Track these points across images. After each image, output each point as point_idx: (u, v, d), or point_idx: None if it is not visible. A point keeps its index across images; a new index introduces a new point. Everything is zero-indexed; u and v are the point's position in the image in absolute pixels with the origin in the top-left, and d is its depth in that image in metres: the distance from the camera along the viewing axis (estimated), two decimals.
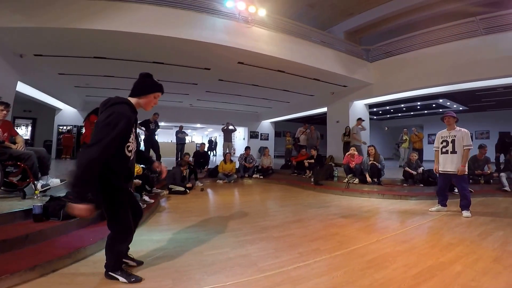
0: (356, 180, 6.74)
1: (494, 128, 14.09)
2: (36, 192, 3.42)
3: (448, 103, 12.92)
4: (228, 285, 2.03)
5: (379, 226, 3.83)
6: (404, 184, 6.60)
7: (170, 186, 6.10)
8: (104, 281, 2.02)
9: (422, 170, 6.53)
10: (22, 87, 8.10)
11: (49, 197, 3.16)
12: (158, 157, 8.41)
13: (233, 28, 6.49)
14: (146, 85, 2.03)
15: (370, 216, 4.38)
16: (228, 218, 4.06)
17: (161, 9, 5.79)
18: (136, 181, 4.51)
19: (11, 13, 4.99)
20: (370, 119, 11.67)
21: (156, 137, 8.86)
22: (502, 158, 8.09)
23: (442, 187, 4.55)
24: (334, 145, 10.55)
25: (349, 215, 4.37)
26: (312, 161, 8.29)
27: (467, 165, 4.28)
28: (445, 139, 4.44)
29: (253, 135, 18.09)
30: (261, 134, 18.41)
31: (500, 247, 2.83)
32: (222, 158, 9.38)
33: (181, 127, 11.25)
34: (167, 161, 9.72)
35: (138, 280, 2.02)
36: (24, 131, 13.14)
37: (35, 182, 3.50)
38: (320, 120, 13.89)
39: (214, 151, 20.74)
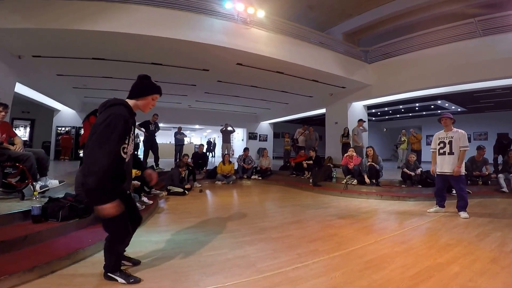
0: (355, 181, 6.75)
1: (492, 129, 14.13)
2: (34, 193, 3.42)
3: (447, 104, 12.97)
4: (227, 286, 2.03)
5: (377, 227, 3.84)
6: (403, 185, 6.61)
7: (169, 187, 6.10)
8: (103, 282, 2.02)
9: (420, 171, 6.54)
10: (21, 88, 8.08)
11: (47, 198, 3.16)
12: (157, 158, 8.40)
13: (231, 29, 6.51)
14: (144, 87, 2.03)
15: (369, 217, 4.39)
16: (227, 219, 4.06)
17: (159, 10, 5.80)
18: (135, 182, 4.51)
19: (9, 14, 4.99)
20: (369, 120, 11.73)
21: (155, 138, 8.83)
22: (500, 159, 8.12)
23: (440, 188, 4.56)
24: (333, 146, 10.57)
25: (347, 216, 4.38)
26: (311, 162, 8.29)
27: (464, 166, 4.30)
28: (443, 140, 4.46)
29: (251, 136, 18.11)
30: (259, 135, 18.42)
31: (498, 248, 2.85)
32: (220, 159, 9.38)
33: (179, 128, 11.25)
34: (166, 162, 9.74)
35: (137, 281, 2.02)
36: (22, 132, 13.09)
37: (34, 183, 3.49)
38: (319, 121, 13.94)
39: (213, 152, 20.73)
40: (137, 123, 7.08)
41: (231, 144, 12.95)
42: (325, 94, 10.98)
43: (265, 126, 18.58)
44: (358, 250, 2.81)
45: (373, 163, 6.65)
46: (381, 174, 6.72)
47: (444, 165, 4.37)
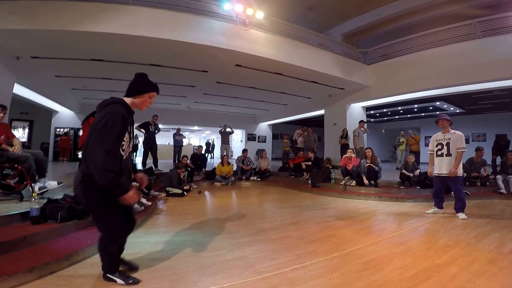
0: (353, 182, 6.77)
1: (491, 131, 14.16)
2: (33, 194, 3.42)
3: (445, 106, 13.00)
4: (226, 287, 2.04)
5: (376, 228, 3.85)
6: (401, 187, 6.61)
7: (168, 188, 6.10)
8: (102, 283, 2.02)
9: (419, 172, 6.55)
10: (19, 89, 8.06)
11: (46, 200, 3.15)
12: (155, 160, 8.39)
13: (230, 31, 6.52)
14: (141, 84, 2.05)
15: (367, 218, 4.40)
16: (226, 220, 4.06)
17: (158, 12, 5.81)
18: (134, 183, 4.49)
19: (8, 15, 4.99)
20: (368, 121, 11.73)
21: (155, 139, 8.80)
22: (498, 160, 8.15)
23: (438, 190, 4.58)
24: (332, 147, 10.59)
25: (346, 217, 4.38)
26: (310, 163, 8.31)
27: (461, 167, 4.32)
28: (440, 142, 4.48)
29: (250, 137, 18.11)
30: (258, 136, 18.43)
31: (496, 249, 2.86)
32: (219, 160, 9.38)
33: (178, 130, 11.23)
34: (165, 164, 9.73)
35: (136, 282, 2.02)
36: (21, 134, 13.05)
37: (33, 184, 3.49)
38: (318, 122, 13.95)
39: (212, 154, 20.72)
40: (137, 124, 7.12)
41: (230, 145, 12.96)
42: (324, 96, 11.01)
43: (264, 127, 18.60)
44: (357, 251, 2.82)
45: (372, 164, 6.67)
46: (379, 175, 6.73)
47: (442, 167, 4.39)
